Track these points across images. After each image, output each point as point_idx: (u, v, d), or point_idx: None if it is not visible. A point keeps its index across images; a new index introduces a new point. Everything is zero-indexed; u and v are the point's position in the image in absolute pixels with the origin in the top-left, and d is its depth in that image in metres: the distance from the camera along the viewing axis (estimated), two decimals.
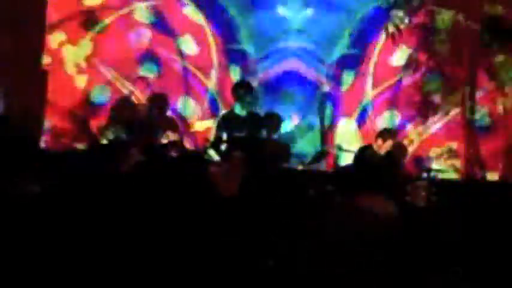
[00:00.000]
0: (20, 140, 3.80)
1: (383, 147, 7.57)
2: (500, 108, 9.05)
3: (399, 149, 7.86)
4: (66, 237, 3.43)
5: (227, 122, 7.56)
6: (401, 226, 3.81)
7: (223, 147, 7.39)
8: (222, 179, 4.55)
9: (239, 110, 7.53)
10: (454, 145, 9.03)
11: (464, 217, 4.71)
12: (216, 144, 7.48)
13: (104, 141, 7.82)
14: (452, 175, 8.76)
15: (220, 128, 7.62)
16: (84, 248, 3.41)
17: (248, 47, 9.14)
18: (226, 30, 9.17)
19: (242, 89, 7.57)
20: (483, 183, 8.72)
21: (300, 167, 7.67)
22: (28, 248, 3.34)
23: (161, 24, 9.14)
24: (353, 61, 9.16)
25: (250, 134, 7.34)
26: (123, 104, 8.63)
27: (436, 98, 9.15)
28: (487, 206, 5.52)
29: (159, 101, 8.43)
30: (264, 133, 7.54)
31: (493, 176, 8.91)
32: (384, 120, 9.07)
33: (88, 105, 9.02)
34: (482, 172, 8.93)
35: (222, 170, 4.99)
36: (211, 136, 8.07)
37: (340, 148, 7.87)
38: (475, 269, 3.76)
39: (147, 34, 9.15)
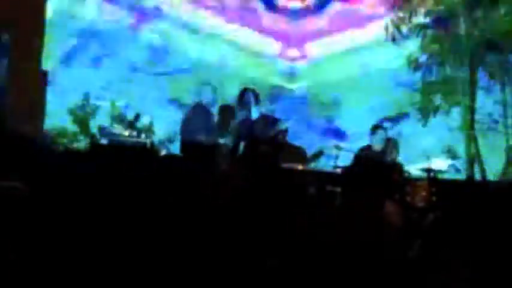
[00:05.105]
0: (19, 140, 3.81)
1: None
2: None
3: (392, 145, 7.82)
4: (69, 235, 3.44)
5: (242, 129, 7.56)
6: (400, 226, 3.82)
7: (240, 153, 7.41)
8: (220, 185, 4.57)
9: (247, 116, 7.59)
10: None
11: (464, 217, 4.71)
12: (234, 152, 7.45)
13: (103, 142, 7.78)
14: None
15: (236, 135, 7.59)
16: (82, 247, 3.42)
17: None
18: None
19: (248, 95, 7.64)
20: (483, 183, 8.71)
21: (300, 167, 7.64)
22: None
23: None
24: None
25: (265, 136, 7.40)
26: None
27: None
28: (487, 206, 5.52)
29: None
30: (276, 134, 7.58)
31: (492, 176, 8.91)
32: None
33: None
34: (482, 172, 8.93)
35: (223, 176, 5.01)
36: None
37: (338, 148, 7.83)
38: (475, 269, 3.76)
39: None
